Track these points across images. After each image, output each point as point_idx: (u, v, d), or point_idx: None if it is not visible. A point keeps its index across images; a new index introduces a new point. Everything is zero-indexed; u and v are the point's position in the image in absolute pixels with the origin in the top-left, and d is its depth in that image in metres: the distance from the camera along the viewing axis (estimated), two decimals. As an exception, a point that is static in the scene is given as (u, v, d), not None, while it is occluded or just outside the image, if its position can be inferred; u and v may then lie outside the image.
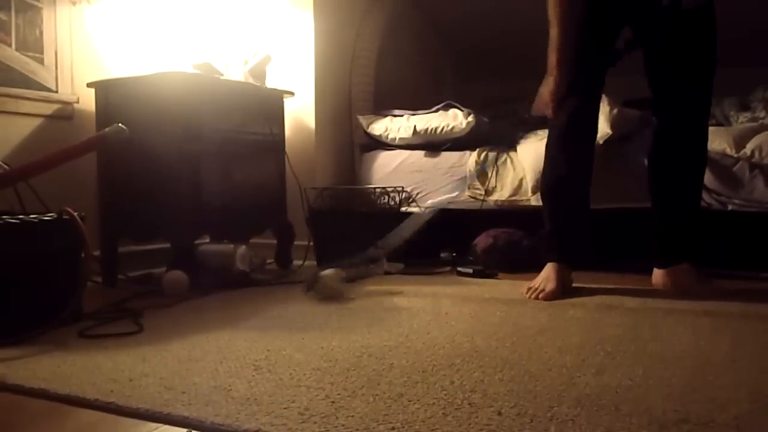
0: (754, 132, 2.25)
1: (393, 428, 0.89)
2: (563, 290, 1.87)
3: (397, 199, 2.66)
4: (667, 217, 1.96)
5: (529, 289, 1.89)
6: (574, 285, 1.96)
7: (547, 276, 1.91)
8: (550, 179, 2.01)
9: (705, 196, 2.23)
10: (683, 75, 1.86)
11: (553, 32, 1.83)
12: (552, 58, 1.84)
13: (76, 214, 1.55)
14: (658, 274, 1.98)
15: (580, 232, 1.99)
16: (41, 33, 2.21)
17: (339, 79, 2.96)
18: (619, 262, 2.40)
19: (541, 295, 1.84)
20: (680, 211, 1.95)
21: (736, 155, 2.20)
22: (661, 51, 1.89)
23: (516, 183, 2.54)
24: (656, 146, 1.98)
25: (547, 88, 1.86)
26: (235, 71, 2.63)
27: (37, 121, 2.20)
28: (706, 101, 1.91)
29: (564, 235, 1.97)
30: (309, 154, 2.77)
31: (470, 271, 2.30)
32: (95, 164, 2.24)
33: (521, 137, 2.64)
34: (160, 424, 0.94)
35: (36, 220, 1.49)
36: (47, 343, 1.38)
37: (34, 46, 2.19)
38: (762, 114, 2.53)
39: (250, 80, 2.51)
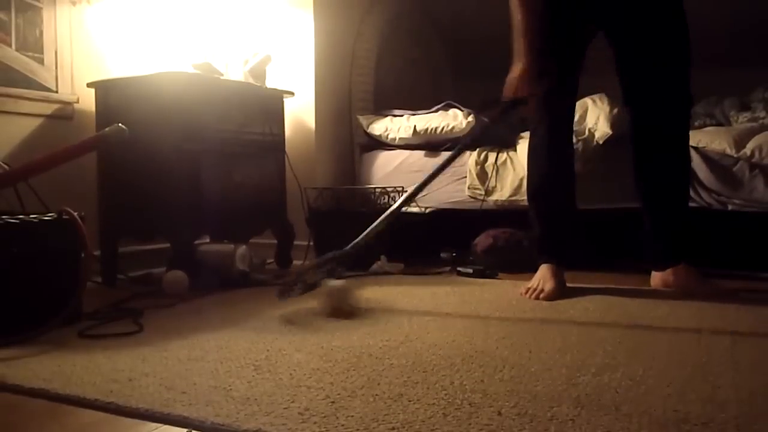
0: (754, 132, 2.25)
1: (393, 428, 0.89)
2: (560, 290, 1.88)
3: (397, 199, 2.66)
4: (659, 219, 1.95)
5: (528, 289, 1.89)
6: (575, 285, 1.96)
7: (543, 276, 1.91)
8: (535, 182, 2.02)
9: (705, 195, 2.23)
10: (658, 58, 1.85)
11: (518, 17, 1.80)
12: (519, 43, 1.80)
13: (76, 214, 1.55)
14: (656, 277, 1.98)
15: (568, 232, 2.00)
16: (41, 33, 2.21)
17: (339, 79, 2.96)
18: (619, 262, 2.40)
19: (541, 295, 1.84)
20: (671, 211, 1.94)
21: (736, 155, 2.20)
22: (632, 40, 1.88)
23: (516, 183, 2.54)
24: (636, 141, 1.96)
25: (516, 71, 1.80)
26: (235, 71, 2.63)
27: (37, 121, 2.20)
28: (685, 86, 1.87)
29: (554, 236, 1.98)
30: (309, 154, 2.77)
31: (470, 271, 2.30)
32: (95, 164, 2.24)
33: (521, 137, 2.64)
34: (160, 424, 0.94)
35: (36, 220, 1.49)
36: (47, 343, 1.38)
37: (34, 46, 2.19)
38: (762, 114, 2.53)
39: (250, 80, 2.51)
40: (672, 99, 1.88)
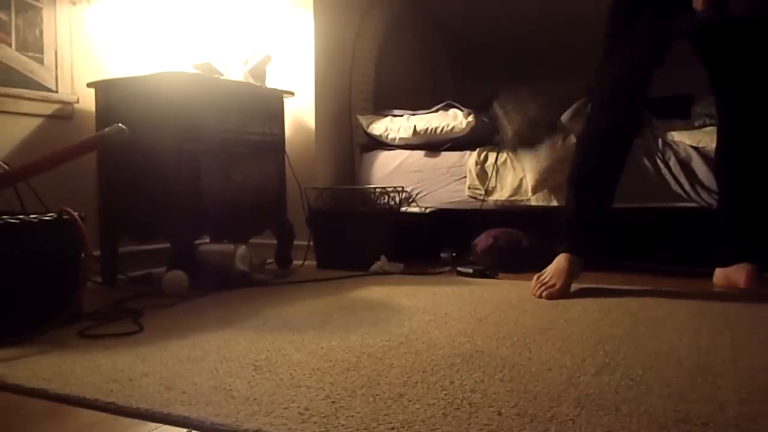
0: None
1: (393, 428, 0.89)
2: (569, 286, 1.88)
3: (397, 199, 2.66)
4: (733, 216, 1.96)
5: (537, 281, 1.89)
6: (576, 285, 1.95)
7: (556, 269, 1.90)
8: (583, 170, 1.99)
9: (705, 195, 2.23)
10: (751, 81, 1.86)
11: None
12: None
13: (76, 214, 1.55)
14: (720, 273, 1.99)
15: (600, 227, 1.98)
16: (41, 33, 2.21)
17: (339, 79, 2.96)
18: (619, 261, 2.41)
19: (545, 293, 1.83)
20: (748, 212, 1.94)
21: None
22: (725, 60, 1.88)
23: (516, 183, 2.54)
24: (725, 147, 1.98)
25: None
26: (235, 71, 2.63)
27: (37, 121, 2.20)
28: None
29: (585, 227, 1.96)
30: (309, 154, 2.77)
31: (470, 271, 2.30)
32: (95, 164, 2.24)
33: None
34: (160, 424, 0.94)
35: (36, 220, 1.49)
36: (47, 343, 1.38)
37: (34, 46, 2.19)
38: (762, 114, 2.53)
39: (250, 80, 2.51)
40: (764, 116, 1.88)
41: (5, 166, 1.78)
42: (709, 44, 1.92)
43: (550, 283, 1.87)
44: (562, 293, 1.84)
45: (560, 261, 1.92)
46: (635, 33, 1.89)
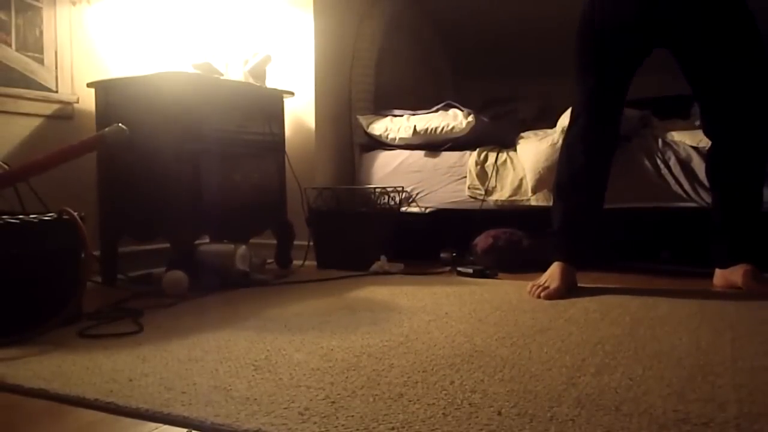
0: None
1: (393, 428, 0.89)
2: (567, 290, 1.87)
3: (397, 199, 2.66)
4: (728, 217, 1.95)
5: (533, 285, 1.89)
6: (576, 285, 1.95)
7: (552, 274, 1.91)
8: (565, 177, 2.00)
9: (705, 195, 2.23)
10: (730, 84, 1.85)
11: None
12: None
13: (76, 214, 1.55)
14: (719, 275, 1.98)
15: (588, 233, 1.99)
16: (41, 33, 2.21)
17: (339, 79, 2.96)
18: (619, 261, 2.41)
19: (542, 294, 1.84)
20: (742, 211, 1.94)
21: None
22: (703, 62, 1.87)
23: (516, 183, 2.54)
24: (715, 154, 1.99)
25: None
26: (235, 71, 2.63)
27: (37, 121, 2.20)
28: (762, 95, 1.85)
29: (571, 235, 1.97)
30: (309, 154, 2.77)
31: (470, 271, 2.30)
32: (95, 164, 2.24)
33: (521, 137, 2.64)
34: (160, 424, 0.94)
35: (36, 220, 1.49)
36: (47, 343, 1.38)
37: (34, 46, 2.19)
38: (762, 114, 2.53)
39: (250, 80, 2.51)
40: (750, 110, 1.86)
41: (5, 166, 1.78)
42: (686, 53, 1.90)
43: (546, 285, 1.87)
44: (559, 293, 1.84)
45: (554, 268, 1.94)
46: (603, 49, 1.92)
